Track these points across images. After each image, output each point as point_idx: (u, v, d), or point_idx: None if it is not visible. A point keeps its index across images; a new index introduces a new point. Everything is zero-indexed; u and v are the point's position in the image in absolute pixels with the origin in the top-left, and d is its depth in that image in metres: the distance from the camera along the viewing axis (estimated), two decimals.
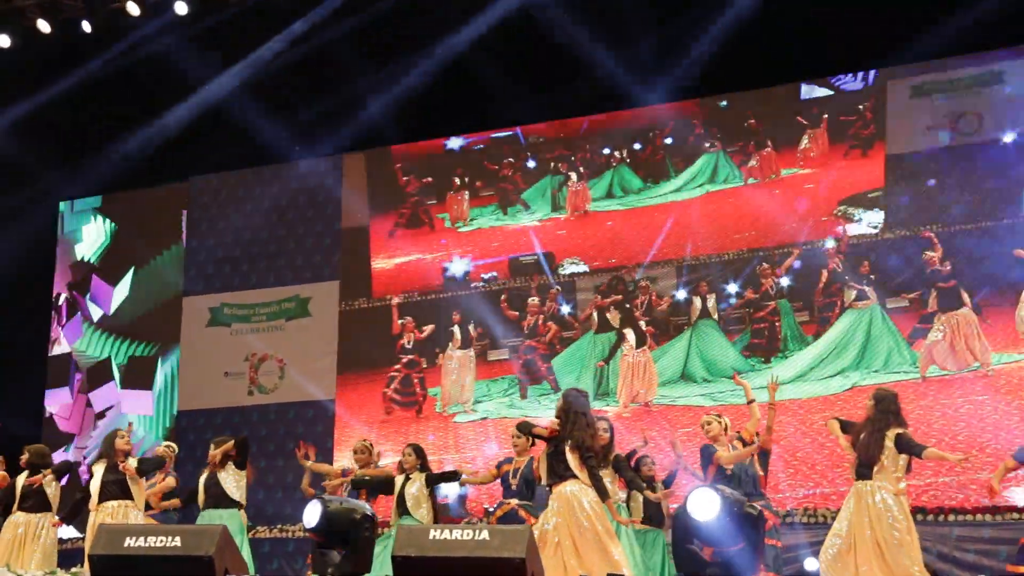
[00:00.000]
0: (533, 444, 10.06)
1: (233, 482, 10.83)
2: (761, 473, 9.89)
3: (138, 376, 17.01)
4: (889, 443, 8.85)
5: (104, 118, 16.85)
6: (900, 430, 8.89)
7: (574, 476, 8.78)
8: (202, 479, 10.91)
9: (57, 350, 17.67)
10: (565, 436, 8.86)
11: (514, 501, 10.09)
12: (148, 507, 11.28)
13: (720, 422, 9.80)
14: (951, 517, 11.76)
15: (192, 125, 16.20)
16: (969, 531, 11.60)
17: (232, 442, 10.99)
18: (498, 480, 10.58)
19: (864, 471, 8.89)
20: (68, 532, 15.14)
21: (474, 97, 14.96)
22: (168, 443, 11.52)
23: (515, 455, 10.31)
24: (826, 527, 9.65)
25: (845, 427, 9.24)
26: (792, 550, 11.74)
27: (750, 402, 9.94)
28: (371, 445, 11.14)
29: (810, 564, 10.54)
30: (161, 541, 7.75)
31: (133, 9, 15.68)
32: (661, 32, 13.80)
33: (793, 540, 11.88)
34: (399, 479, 10.66)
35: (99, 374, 17.25)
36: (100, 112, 16.85)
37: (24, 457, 11.22)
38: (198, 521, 10.64)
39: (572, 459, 8.83)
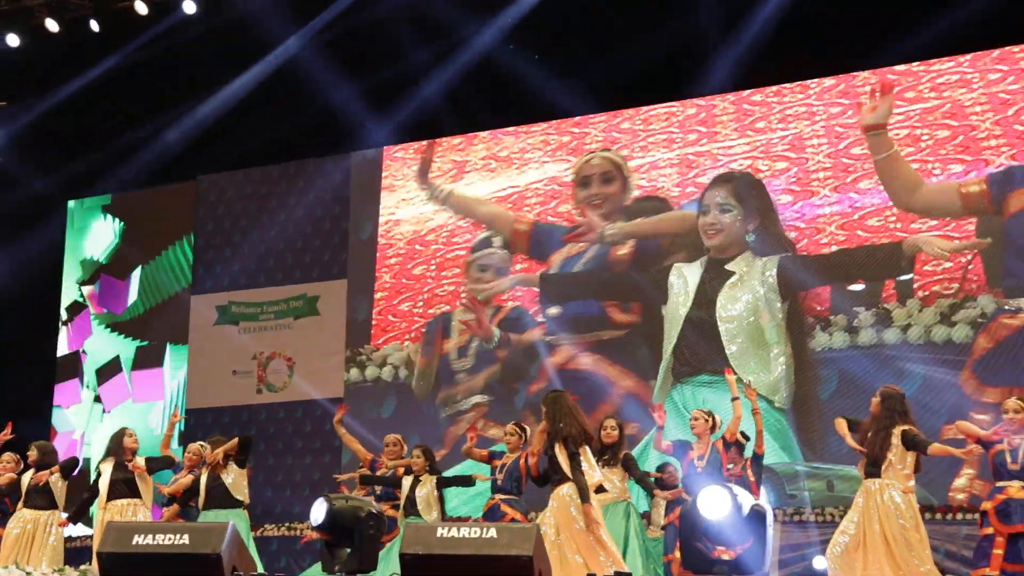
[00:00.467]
0: (525, 442, 10.14)
1: (236, 482, 10.84)
2: (752, 479, 9.94)
3: (148, 358, 17.03)
4: (896, 440, 8.92)
5: (113, 117, 16.87)
6: (906, 427, 8.95)
7: (568, 478, 8.86)
8: (203, 479, 10.90)
9: (65, 349, 17.68)
10: (554, 435, 8.95)
11: (498, 496, 10.12)
12: (172, 501, 11.30)
13: (707, 420, 9.92)
14: (959, 516, 11.73)
15: (201, 124, 16.22)
16: (978, 530, 11.56)
17: (236, 441, 10.99)
18: (486, 475, 10.64)
19: (872, 469, 8.96)
20: (76, 530, 15.16)
21: (484, 97, 14.93)
22: (202, 443, 11.49)
23: (508, 450, 10.36)
24: (835, 525, 9.66)
25: (852, 426, 9.30)
26: (801, 548, 11.73)
27: (734, 399, 10.00)
28: (403, 439, 11.14)
29: (819, 563, 10.55)
30: (169, 539, 7.76)
31: (141, 8, 15.74)
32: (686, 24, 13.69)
33: (803, 539, 11.87)
34: (407, 480, 10.67)
35: (109, 372, 17.28)
36: (109, 111, 16.88)
37: (33, 455, 11.23)
38: (199, 521, 10.64)
39: (562, 459, 8.92)
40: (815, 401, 12.99)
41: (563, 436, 9.03)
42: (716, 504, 6.74)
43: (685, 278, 13.89)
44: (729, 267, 13.69)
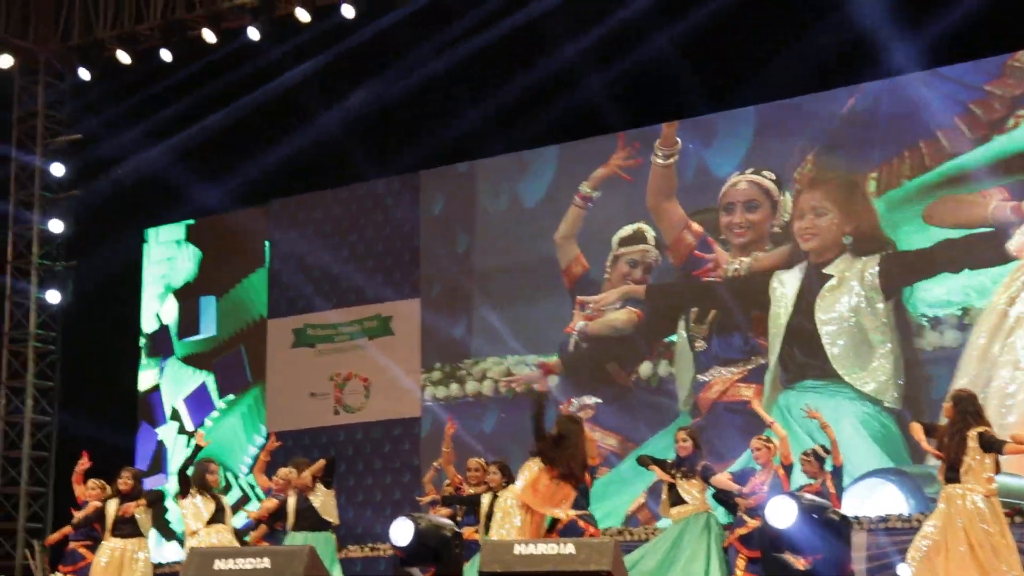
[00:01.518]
0: None
1: (325, 503, 10.90)
2: (833, 491, 9.84)
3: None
4: (972, 443, 8.79)
5: (185, 144, 17.04)
6: (981, 428, 8.82)
7: None
8: (291, 501, 10.96)
9: (149, 380, 17.83)
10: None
11: (573, 512, 10.11)
12: (258, 524, 11.40)
13: (769, 448, 9.89)
14: None
15: (274, 148, 16.36)
16: None
17: (322, 462, 11.05)
18: None
19: (952, 474, 8.83)
20: (166, 556, 15.35)
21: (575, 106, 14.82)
22: (290, 468, 11.56)
23: None
24: (915, 532, 9.51)
25: (929, 430, 9.20)
26: (882, 557, 11.56)
27: (770, 425, 10.07)
28: (485, 463, 11.07)
29: (902, 570, 10.40)
30: (251, 563, 7.83)
31: (209, 36, 16.00)
32: None
33: (888, 546, 11.71)
34: (486, 497, 10.63)
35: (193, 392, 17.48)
36: (180, 139, 17.03)
37: (129, 484, 11.33)
38: (287, 543, 10.70)
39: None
40: (927, 401, 12.80)
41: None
42: (782, 513, 6.70)
43: (785, 285, 13.77)
44: (827, 270, 13.53)
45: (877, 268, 13.23)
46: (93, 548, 11.47)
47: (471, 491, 10.87)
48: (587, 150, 15.24)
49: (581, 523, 9.98)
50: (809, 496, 6.94)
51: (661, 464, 10.31)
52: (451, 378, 15.54)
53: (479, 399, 15.32)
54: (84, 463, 11.68)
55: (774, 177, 13.95)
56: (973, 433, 8.82)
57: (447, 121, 15.31)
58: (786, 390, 13.52)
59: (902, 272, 13.16)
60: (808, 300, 13.58)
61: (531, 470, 9.34)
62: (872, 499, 12.47)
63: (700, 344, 14.14)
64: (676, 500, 10.07)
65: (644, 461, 10.47)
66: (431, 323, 15.79)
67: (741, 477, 10.11)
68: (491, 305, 15.51)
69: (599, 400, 14.53)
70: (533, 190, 15.56)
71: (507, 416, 15.05)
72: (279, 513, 11.17)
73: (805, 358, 13.44)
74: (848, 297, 13.36)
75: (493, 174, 15.89)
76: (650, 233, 14.65)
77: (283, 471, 11.36)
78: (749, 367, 13.86)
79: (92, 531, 11.61)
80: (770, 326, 13.76)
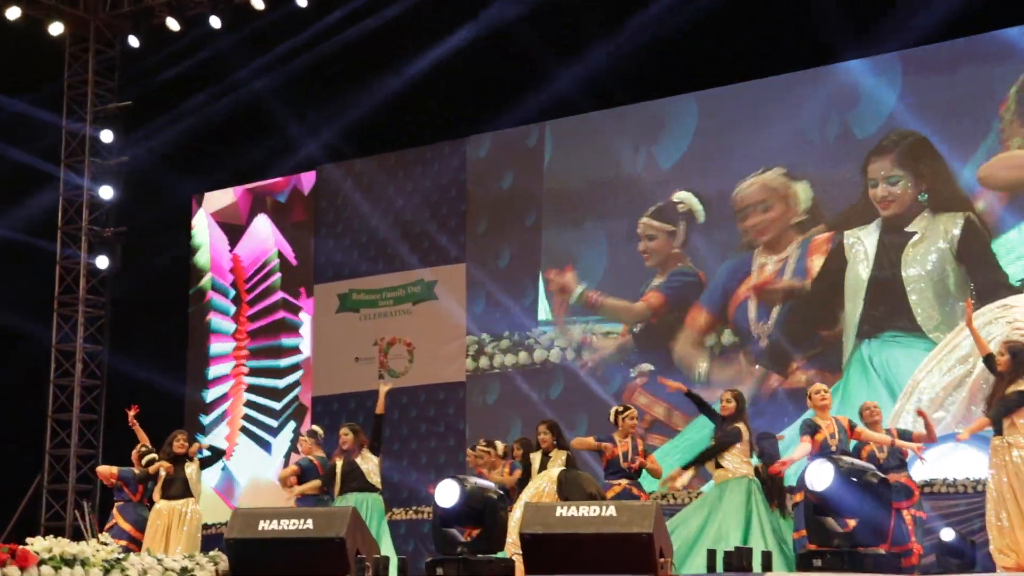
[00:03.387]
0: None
1: (372, 466, 10.98)
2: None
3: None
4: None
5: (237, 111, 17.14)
6: None
7: None
8: (339, 464, 11.05)
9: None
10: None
11: (625, 481, 10.16)
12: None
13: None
14: None
15: (320, 114, 16.42)
16: None
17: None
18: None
19: (999, 426, 8.55)
20: (213, 517, 15.48)
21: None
22: (315, 428, 11.67)
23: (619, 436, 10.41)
24: (961, 496, 9.44)
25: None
26: (926, 522, 11.50)
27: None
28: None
29: (946, 535, 10.35)
30: (294, 524, 7.92)
31: (258, 3, 16.08)
32: None
33: (932, 511, 11.65)
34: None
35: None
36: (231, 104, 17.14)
37: (185, 445, 11.44)
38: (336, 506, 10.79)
39: None
40: None
41: None
42: (819, 476, 6.70)
43: (863, 242, 13.83)
44: (909, 228, 13.60)
45: (959, 231, 13.27)
46: (122, 510, 11.66)
47: (500, 480, 10.91)
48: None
49: (634, 491, 10.09)
50: (848, 459, 6.92)
51: (710, 413, 10.26)
52: (519, 346, 15.59)
53: (545, 366, 15.36)
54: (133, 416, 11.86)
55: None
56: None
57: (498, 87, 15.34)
58: (868, 340, 13.57)
59: (984, 228, 13.17)
60: (890, 256, 13.63)
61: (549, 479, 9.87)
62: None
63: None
64: (716, 463, 10.07)
65: (694, 397, 10.46)
66: (499, 291, 15.81)
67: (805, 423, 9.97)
68: (559, 271, 15.53)
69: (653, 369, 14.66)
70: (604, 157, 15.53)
71: (573, 384, 15.11)
72: (307, 477, 11.30)
73: (887, 312, 13.51)
74: (932, 252, 13.42)
75: (566, 138, 15.80)
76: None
77: (304, 438, 11.65)
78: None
79: (123, 493, 11.77)
80: (848, 283, 13.80)
